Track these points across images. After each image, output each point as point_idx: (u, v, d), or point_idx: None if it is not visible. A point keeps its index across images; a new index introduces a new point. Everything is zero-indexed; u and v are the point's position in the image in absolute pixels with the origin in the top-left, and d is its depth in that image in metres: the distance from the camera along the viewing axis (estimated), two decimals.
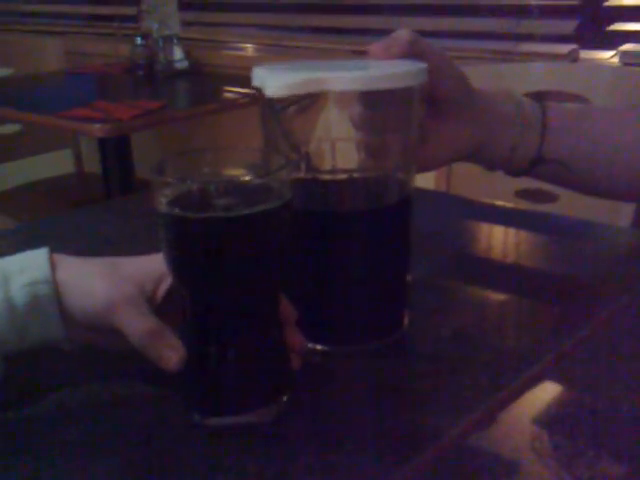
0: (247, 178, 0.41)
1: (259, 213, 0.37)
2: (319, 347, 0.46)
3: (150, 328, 0.40)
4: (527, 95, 0.61)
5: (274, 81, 0.42)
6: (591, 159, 0.62)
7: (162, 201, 0.37)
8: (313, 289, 0.47)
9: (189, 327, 0.40)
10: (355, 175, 0.46)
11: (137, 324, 0.40)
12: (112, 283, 0.41)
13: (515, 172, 0.61)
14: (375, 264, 0.46)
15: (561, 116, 0.60)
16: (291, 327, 0.42)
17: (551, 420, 0.40)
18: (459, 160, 0.60)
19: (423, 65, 0.45)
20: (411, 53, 0.50)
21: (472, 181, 1.10)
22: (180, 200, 0.37)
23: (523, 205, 1.06)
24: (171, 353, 0.40)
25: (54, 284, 0.41)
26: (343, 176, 0.46)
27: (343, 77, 0.42)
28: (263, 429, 0.39)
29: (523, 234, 0.70)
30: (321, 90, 0.42)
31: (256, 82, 0.44)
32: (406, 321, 0.49)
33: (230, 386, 0.40)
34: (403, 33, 0.51)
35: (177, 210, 0.37)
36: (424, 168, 0.55)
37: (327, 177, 0.46)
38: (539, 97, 0.61)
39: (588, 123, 0.62)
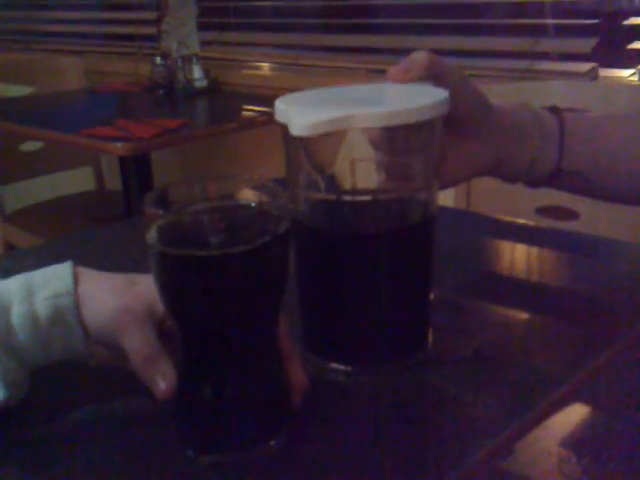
0: (243, 209, 0.39)
1: (252, 250, 0.35)
2: (342, 367, 0.46)
3: (147, 352, 0.40)
4: (543, 108, 0.61)
5: (299, 120, 0.42)
6: (610, 168, 0.62)
7: (153, 233, 0.36)
8: (336, 309, 0.47)
9: (182, 360, 0.39)
10: (378, 196, 0.46)
11: (136, 345, 0.40)
12: (123, 300, 0.42)
13: (535, 184, 0.61)
14: (398, 284, 0.46)
15: (579, 126, 0.60)
16: (292, 363, 0.40)
17: (579, 443, 0.40)
18: (479, 176, 0.60)
19: (445, 93, 0.45)
20: (429, 75, 0.50)
21: (492, 198, 1.10)
22: (171, 233, 0.36)
23: (544, 222, 1.06)
24: (160, 381, 0.39)
25: (75, 296, 0.41)
26: (366, 197, 0.46)
27: (368, 115, 0.42)
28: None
29: (545, 252, 0.70)
30: (346, 128, 0.42)
31: (280, 118, 0.44)
32: (429, 341, 0.49)
33: (224, 423, 0.39)
34: (421, 55, 0.51)
35: (165, 245, 0.35)
36: (443, 185, 0.55)
37: (350, 198, 0.46)
38: (555, 109, 0.61)
39: (605, 131, 0.63)
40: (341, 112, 0.42)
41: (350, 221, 0.47)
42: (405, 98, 0.47)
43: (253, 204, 0.39)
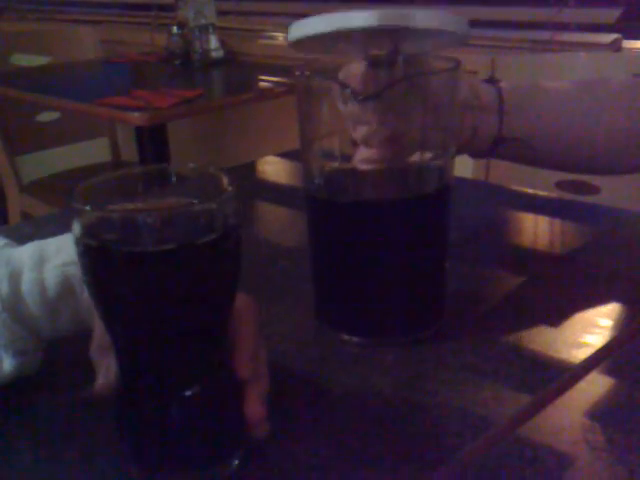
0: (182, 205, 0.35)
1: (189, 247, 0.31)
2: (355, 339, 0.46)
3: (101, 343, 0.37)
4: (481, 80, 0.62)
5: (361, 13, 0.40)
6: (551, 134, 0.63)
7: (78, 227, 0.32)
8: (349, 280, 0.46)
9: (120, 368, 0.34)
10: (392, 165, 0.45)
11: (98, 331, 0.37)
12: None
13: (479, 154, 0.62)
14: (412, 255, 0.46)
15: (517, 95, 0.61)
16: (250, 392, 0.35)
17: (602, 413, 0.39)
18: None
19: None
20: None
21: (511, 170, 1.09)
22: (99, 228, 0.32)
23: (565, 197, 1.05)
24: (101, 375, 0.36)
25: None
26: (380, 166, 0.45)
27: (429, 14, 0.42)
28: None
29: (566, 224, 0.69)
30: (410, 25, 0.41)
31: (322, 28, 0.42)
32: (443, 313, 0.48)
33: (167, 440, 0.35)
34: None
35: (91, 239, 0.32)
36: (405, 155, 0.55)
37: (364, 167, 0.45)
38: (492, 80, 0.62)
39: (543, 99, 0.64)
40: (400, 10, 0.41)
41: (364, 191, 0.46)
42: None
43: (191, 200, 0.34)
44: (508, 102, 0.60)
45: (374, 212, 0.45)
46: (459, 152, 0.62)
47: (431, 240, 0.46)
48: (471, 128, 0.59)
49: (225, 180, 0.35)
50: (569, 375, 0.42)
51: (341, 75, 0.46)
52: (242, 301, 0.36)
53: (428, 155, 0.45)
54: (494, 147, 0.61)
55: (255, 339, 0.37)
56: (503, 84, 0.61)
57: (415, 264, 0.46)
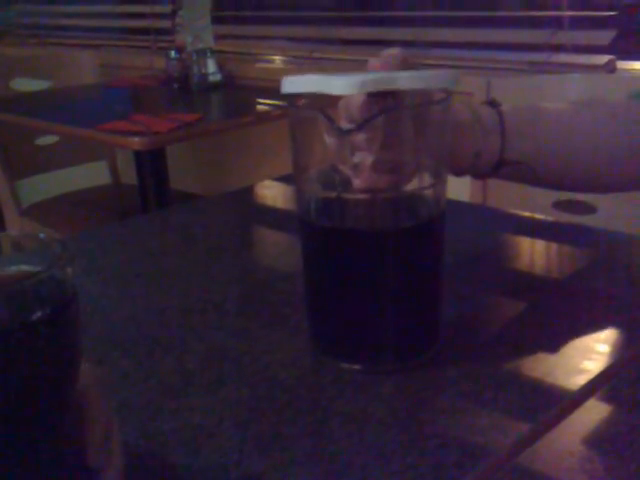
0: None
1: (19, 327, 0.27)
2: (353, 366, 0.46)
3: None
4: (482, 103, 0.63)
5: (341, 81, 0.41)
6: (552, 155, 0.64)
7: None
8: (344, 307, 0.46)
9: None
10: (386, 193, 0.46)
11: None
12: None
13: (481, 176, 0.63)
14: (408, 282, 0.46)
15: (518, 117, 0.62)
16: None
17: (601, 441, 0.40)
18: None
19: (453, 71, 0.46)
20: (404, 69, 0.51)
21: (508, 191, 1.10)
22: None
23: (561, 217, 1.05)
24: None
25: None
26: (375, 194, 0.45)
27: (413, 76, 0.42)
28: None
29: (564, 248, 0.70)
30: (393, 88, 0.42)
31: (308, 88, 0.43)
32: (440, 337, 0.48)
33: None
34: (396, 51, 0.52)
35: None
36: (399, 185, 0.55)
37: (359, 196, 0.45)
38: (493, 103, 0.62)
39: (544, 120, 0.65)
40: (384, 74, 0.42)
41: (358, 218, 0.46)
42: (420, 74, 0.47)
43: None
44: (509, 125, 0.61)
45: (367, 240, 0.45)
46: (461, 174, 0.63)
47: (425, 267, 0.47)
48: (473, 151, 0.59)
49: (58, 248, 0.31)
50: (568, 402, 0.42)
51: (341, 104, 0.47)
52: (88, 377, 0.32)
53: (422, 183, 0.46)
54: (496, 170, 0.62)
55: (106, 419, 0.32)
56: (504, 107, 0.62)
57: (409, 291, 0.46)
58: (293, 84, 0.45)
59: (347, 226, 0.46)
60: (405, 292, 0.46)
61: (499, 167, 0.62)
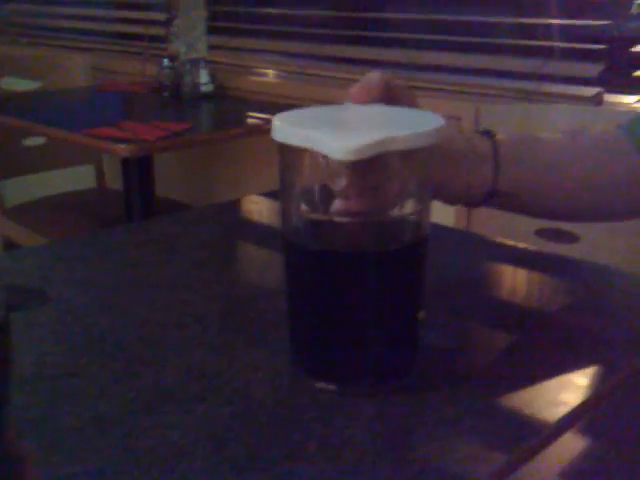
0: None
1: None
2: (330, 387, 0.46)
3: None
4: (477, 131, 0.63)
5: (339, 143, 0.40)
6: (546, 187, 0.65)
7: None
8: (323, 328, 0.47)
9: None
10: (371, 217, 0.46)
11: None
12: None
13: (473, 205, 0.64)
14: (387, 305, 0.46)
15: (512, 149, 0.62)
16: None
17: (578, 474, 0.40)
18: None
19: (437, 117, 0.46)
20: (386, 95, 0.51)
21: (492, 218, 1.11)
22: None
23: (543, 245, 1.06)
24: None
25: None
26: (359, 218, 0.46)
27: (408, 136, 0.42)
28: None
29: (545, 279, 0.70)
30: (389, 150, 0.41)
31: (302, 142, 0.42)
32: (418, 363, 0.49)
33: None
34: (377, 76, 0.52)
35: None
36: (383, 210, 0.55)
37: (340, 219, 0.45)
38: (488, 133, 0.63)
39: (537, 153, 0.65)
40: (379, 135, 0.41)
41: (338, 241, 0.47)
42: (407, 120, 0.47)
43: None
44: (504, 156, 0.61)
45: (348, 262, 0.45)
46: (455, 203, 0.63)
47: (405, 291, 0.47)
48: (466, 180, 0.59)
49: None
50: (546, 434, 0.42)
51: None
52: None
53: (405, 208, 0.46)
54: (488, 200, 0.62)
55: None
56: (499, 137, 0.62)
57: (388, 314, 0.46)
58: (286, 134, 0.43)
59: (329, 247, 0.46)
60: (383, 316, 0.46)
61: (491, 197, 0.62)
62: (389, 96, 0.51)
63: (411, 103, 0.54)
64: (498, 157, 0.60)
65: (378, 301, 0.45)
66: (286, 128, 0.44)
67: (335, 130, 0.44)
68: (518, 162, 0.63)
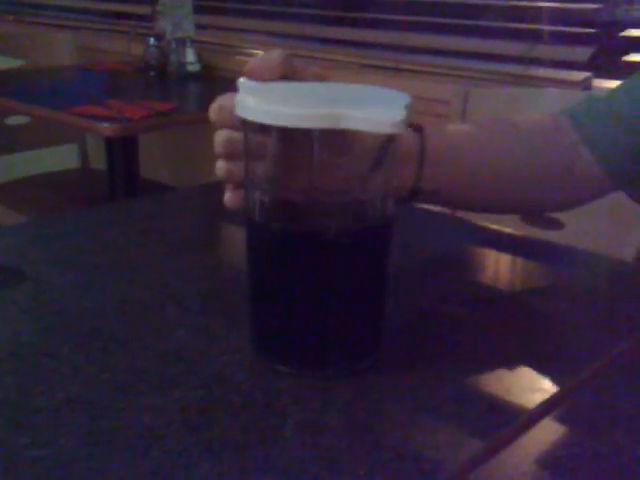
0: None
1: None
2: (287, 369, 0.45)
3: None
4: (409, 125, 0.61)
5: (384, 117, 0.40)
6: (470, 184, 0.63)
7: None
8: (282, 309, 0.46)
9: None
10: (333, 197, 0.45)
11: None
12: None
13: (400, 201, 0.62)
14: (347, 288, 0.45)
15: (440, 148, 0.61)
16: None
17: (555, 461, 0.39)
18: None
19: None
20: (285, 73, 0.49)
21: None
22: None
23: (529, 231, 1.06)
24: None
25: None
26: (321, 197, 0.45)
27: (361, 117, 0.40)
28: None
29: (526, 264, 0.70)
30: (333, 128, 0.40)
31: (320, 123, 0.40)
32: (382, 346, 0.48)
33: None
34: (276, 52, 0.50)
35: None
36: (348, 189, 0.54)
37: (305, 198, 0.44)
38: (418, 128, 0.60)
39: (465, 148, 0.63)
40: (400, 108, 0.40)
41: (299, 221, 0.46)
42: (388, 99, 0.46)
43: None
44: (430, 153, 0.59)
45: (308, 242, 0.44)
46: None
47: (368, 274, 0.46)
48: None
49: None
50: (522, 421, 0.42)
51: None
52: None
53: (370, 188, 0.45)
54: (411, 197, 0.61)
55: None
56: (430, 134, 0.60)
57: (348, 296, 0.45)
58: (295, 117, 0.41)
59: (288, 226, 0.45)
60: (342, 298, 0.45)
61: (415, 195, 0.61)
62: (289, 74, 0.49)
63: (318, 79, 0.51)
64: (424, 154, 0.59)
65: (337, 283, 0.44)
66: (288, 109, 0.41)
67: (357, 105, 0.42)
68: (443, 161, 0.61)
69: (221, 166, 0.51)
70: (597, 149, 0.64)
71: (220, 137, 0.50)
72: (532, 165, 0.65)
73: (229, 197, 0.52)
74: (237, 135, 0.49)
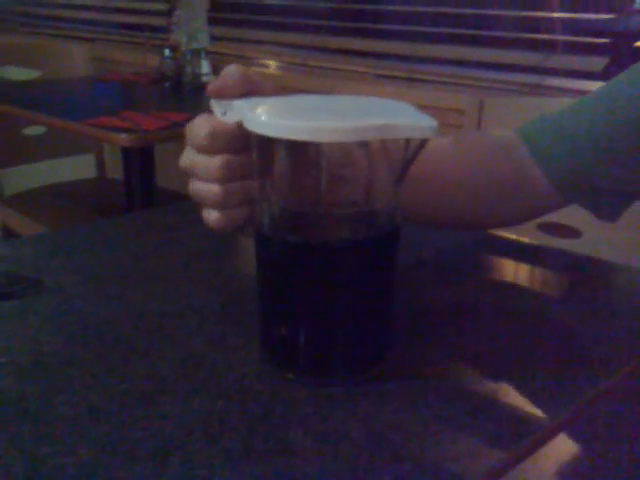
0: None
1: None
2: (296, 377, 0.46)
3: None
4: None
5: (424, 123, 0.40)
6: (430, 205, 0.63)
7: None
8: (291, 318, 0.46)
9: None
10: (341, 208, 0.45)
11: None
12: None
13: None
14: (354, 296, 0.45)
15: None
16: None
17: (573, 474, 0.39)
18: None
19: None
20: (244, 90, 0.49)
21: None
22: None
23: (546, 239, 1.05)
24: None
25: None
26: (329, 208, 0.45)
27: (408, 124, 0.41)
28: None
29: (544, 273, 0.70)
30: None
31: (294, 135, 0.41)
32: (391, 355, 0.48)
33: None
34: (232, 69, 0.49)
35: None
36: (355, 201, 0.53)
37: (313, 209, 0.45)
38: None
39: (429, 171, 0.61)
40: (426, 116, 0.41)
41: (307, 231, 0.46)
42: (389, 111, 0.46)
43: None
44: None
45: (317, 252, 0.45)
46: None
47: (374, 283, 0.46)
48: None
49: None
50: (542, 432, 0.42)
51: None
52: None
53: (377, 199, 0.45)
54: None
55: None
56: None
57: (355, 305, 0.45)
58: (329, 132, 0.41)
59: (299, 238, 0.45)
60: (349, 307, 0.45)
61: None
62: (249, 90, 0.49)
63: (273, 94, 0.50)
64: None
65: (343, 292, 0.45)
66: (336, 124, 0.41)
67: (385, 115, 0.43)
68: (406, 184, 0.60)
69: (217, 190, 0.50)
70: (546, 166, 0.64)
71: (218, 163, 0.49)
72: (477, 178, 0.65)
73: (217, 218, 0.51)
74: (237, 158, 0.48)
